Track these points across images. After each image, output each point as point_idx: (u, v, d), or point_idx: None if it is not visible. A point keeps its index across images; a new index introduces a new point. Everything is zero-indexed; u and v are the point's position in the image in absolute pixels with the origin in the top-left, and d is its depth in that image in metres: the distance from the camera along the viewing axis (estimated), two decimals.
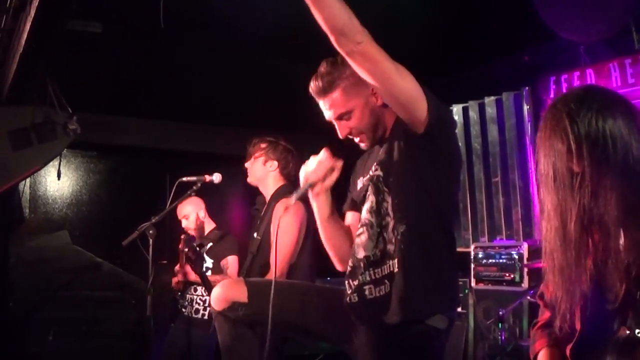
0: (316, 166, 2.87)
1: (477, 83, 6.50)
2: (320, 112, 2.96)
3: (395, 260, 2.73)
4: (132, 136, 7.13)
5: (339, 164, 2.88)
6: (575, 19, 5.24)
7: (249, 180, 4.63)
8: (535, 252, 5.54)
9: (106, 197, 7.24)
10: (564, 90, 5.92)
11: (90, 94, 5.95)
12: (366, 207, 2.88)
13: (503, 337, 5.06)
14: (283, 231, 4.30)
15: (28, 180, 6.41)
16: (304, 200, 4.42)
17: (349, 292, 2.87)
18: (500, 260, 5.63)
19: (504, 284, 5.56)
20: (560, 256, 2.02)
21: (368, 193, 2.88)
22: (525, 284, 5.46)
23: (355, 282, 2.85)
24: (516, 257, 5.51)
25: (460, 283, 5.72)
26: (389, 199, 2.78)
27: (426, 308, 2.74)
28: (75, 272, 5.86)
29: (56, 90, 5.12)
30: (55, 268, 5.87)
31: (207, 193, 4.89)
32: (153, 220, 4.29)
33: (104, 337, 5.79)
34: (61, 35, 4.44)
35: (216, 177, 4.56)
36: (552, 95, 6.03)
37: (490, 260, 5.71)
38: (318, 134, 3.49)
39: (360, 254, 2.85)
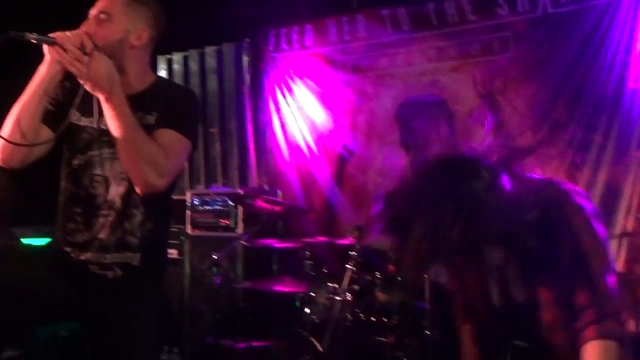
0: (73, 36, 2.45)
1: (198, 32, 6.43)
2: None
3: (138, 255, 2.69)
4: None
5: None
6: None
7: None
8: (250, 198, 5.66)
9: None
10: (284, 44, 6.09)
11: None
12: (117, 190, 2.65)
13: (218, 281, 5.13)
14: None
15: None
16: None
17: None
18: (216, 207, 5.69)
19: (220, 229, 5.64)
20: None
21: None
22: (239, 229, 5.57)
23: (85, 257, 2.67)
24: (231, 203, 5.58)
25: (177, 230, 5.71)
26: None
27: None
28: None
29: None
30: None
31: None
32: None
33: None
34: None
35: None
36: (271, 48, 6.18)
37: (206, 207, 5.74)
38: None
39: (102, 234, 2.66)
